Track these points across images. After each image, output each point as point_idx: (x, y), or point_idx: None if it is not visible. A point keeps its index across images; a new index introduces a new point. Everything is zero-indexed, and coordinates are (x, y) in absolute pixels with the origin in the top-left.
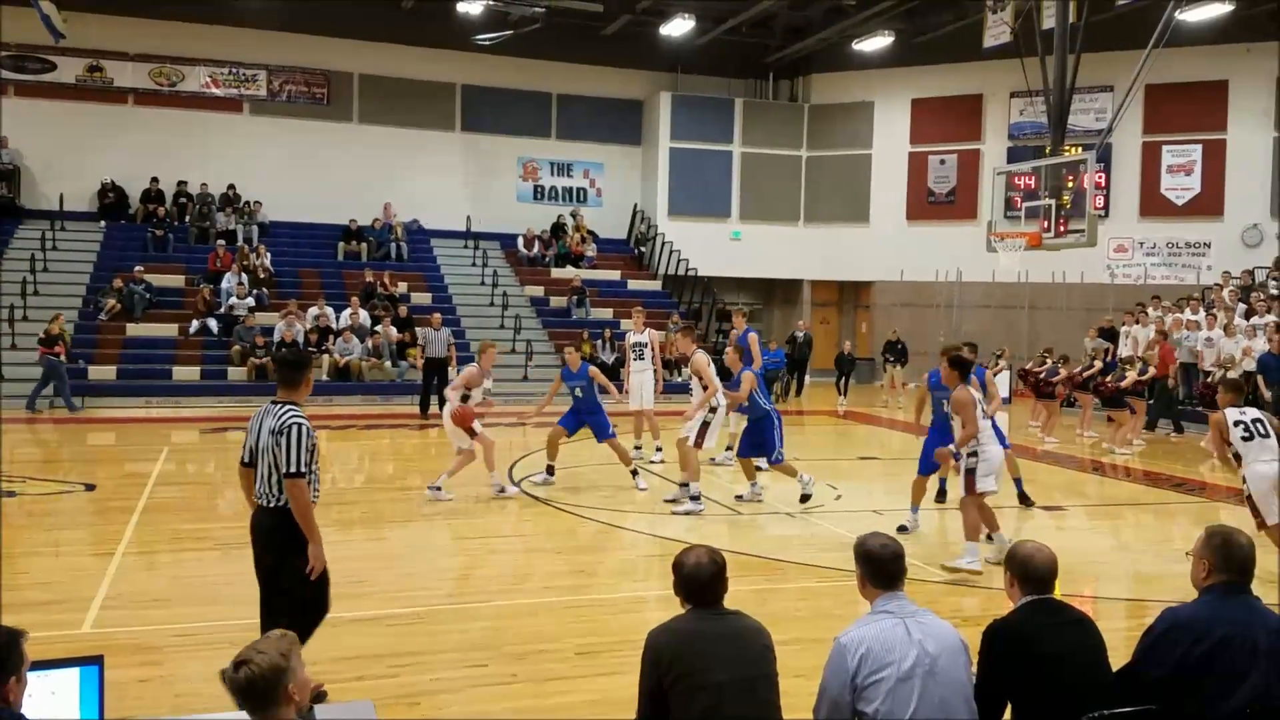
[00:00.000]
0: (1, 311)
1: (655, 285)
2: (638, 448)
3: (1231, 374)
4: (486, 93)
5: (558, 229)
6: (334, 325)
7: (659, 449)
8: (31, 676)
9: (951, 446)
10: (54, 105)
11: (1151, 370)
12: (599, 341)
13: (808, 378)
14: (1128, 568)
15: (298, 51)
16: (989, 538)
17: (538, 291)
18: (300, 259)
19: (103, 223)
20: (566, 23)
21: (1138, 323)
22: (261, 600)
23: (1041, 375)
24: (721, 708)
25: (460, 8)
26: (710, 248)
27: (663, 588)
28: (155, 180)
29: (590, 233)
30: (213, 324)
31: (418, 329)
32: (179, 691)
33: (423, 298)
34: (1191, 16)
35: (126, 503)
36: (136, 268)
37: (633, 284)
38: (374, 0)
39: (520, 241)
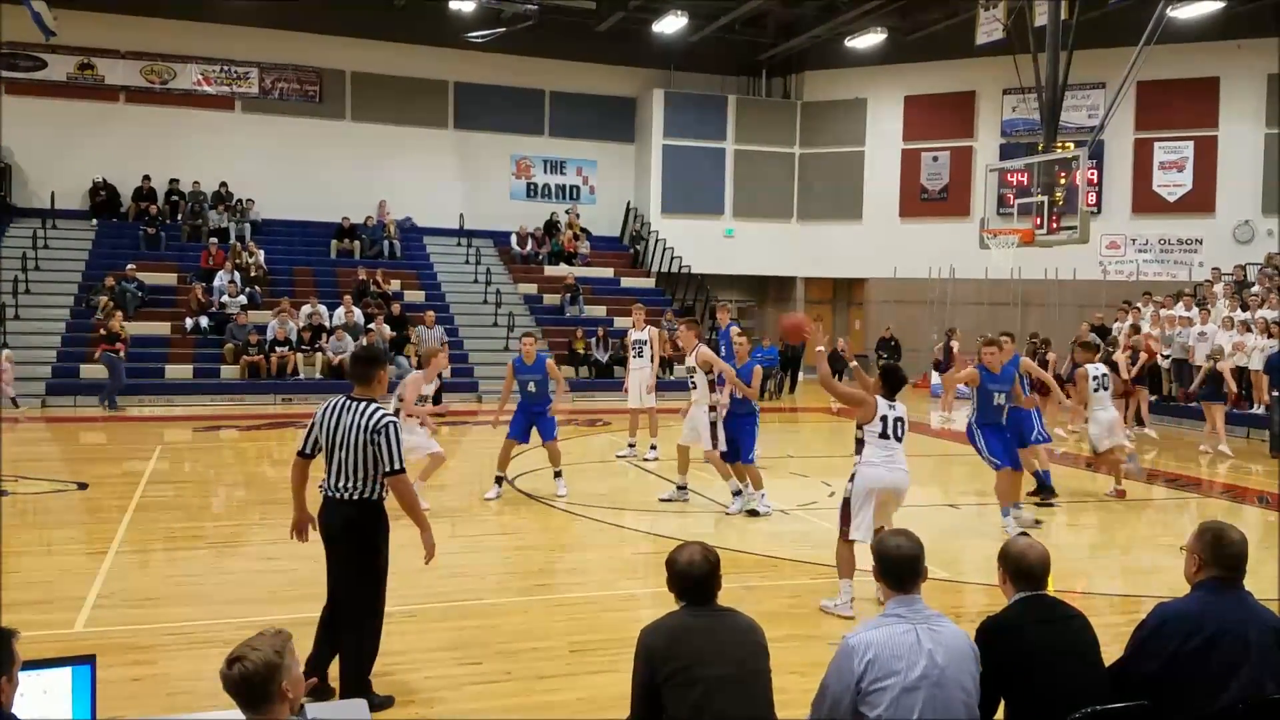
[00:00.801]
0: None
1: (649, 283)
2: (631, 445)
3: (1222, 364)
4: (479, 90)
5: (551, 226)
6: (327, 323)
7: (653, 446)
8: (23, 676)
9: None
10: (45, 103)
11: (1144, 356)
12: (593, 340)
13: (801, 375)
14: (1120, 563)
15: (290, 49)
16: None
17: (531, 289)
18: (293, 257)
19: (94, 221)
20: (559, 20)
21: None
22: (329, 592)
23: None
24: (714, 704)
25: (453, 5)
26: (703, 245)
27: (655, 585)
28: (147, 178)
29: (583, 230)
30: (205, 322)
31: (412, 328)
32: (171, 690)
33: (416, 296)
34: (1183, 14)
35: (119, 502)
36: (128, 266)
37: (626, 281)
38: None
39: (513, 239)
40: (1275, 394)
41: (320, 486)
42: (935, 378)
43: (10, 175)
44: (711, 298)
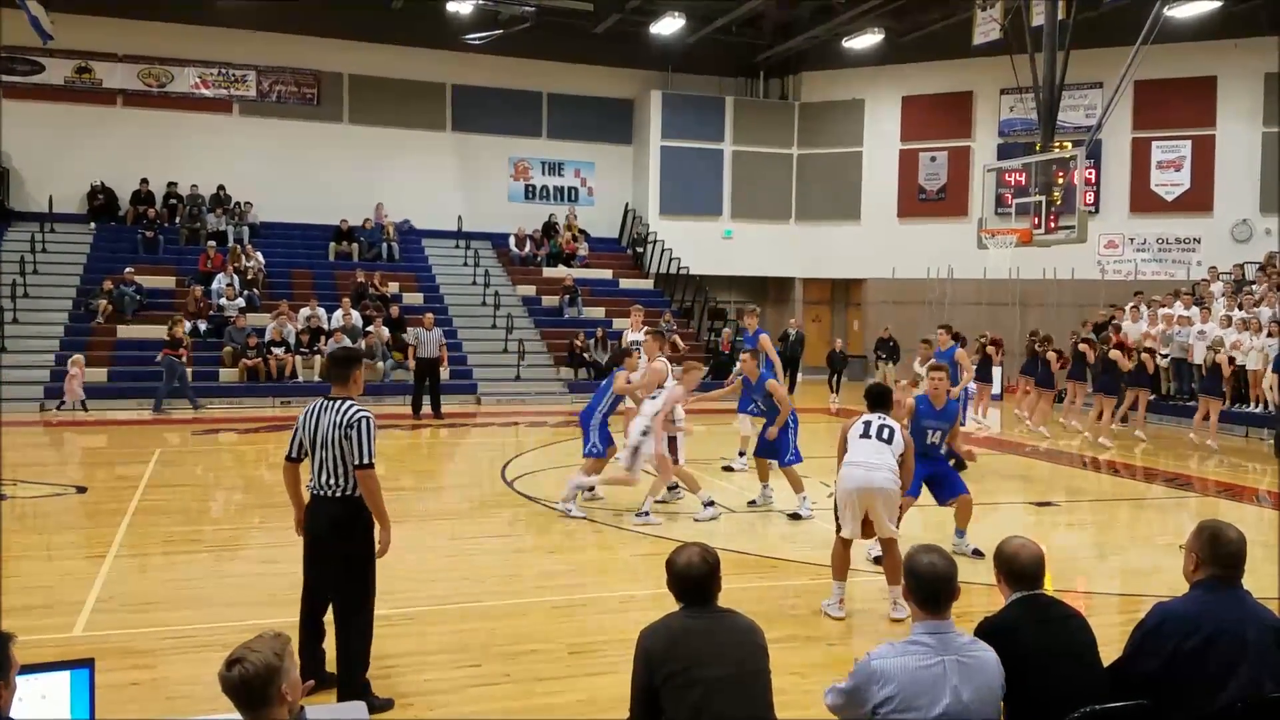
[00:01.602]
0: None
1: (647, 284)
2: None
3: (1220, 356)
4: (477, 92)
5: (549, 228)
6: (325, 326)
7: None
8: (22, 680)
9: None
10: (43, 107)
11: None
12: (592, 341)
13: (800, 375)
14: (1119, 563)
15: (287, 52)
16: None
17: (529, 291)
18: (292, 260)
19: (92, 224)
20: (557, 22)
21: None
22: (309, 594)
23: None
24: (714, 705)
25: (450, 7)
26: (702, 246)
27: (655, 587)
28: (145, 182)
29: (582, 232)
30: (204, 325)
31: (410, 329)
32: (170, 694)
33: (414, 298)
34: (1180, 13)
35: (118, 505)
36: (127, 269)
37: (625, 283)
38: (364, 0)
39: (512, 241)
40: None
41: (308, 486)
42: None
43: (8, 179)
44: (710, 299)
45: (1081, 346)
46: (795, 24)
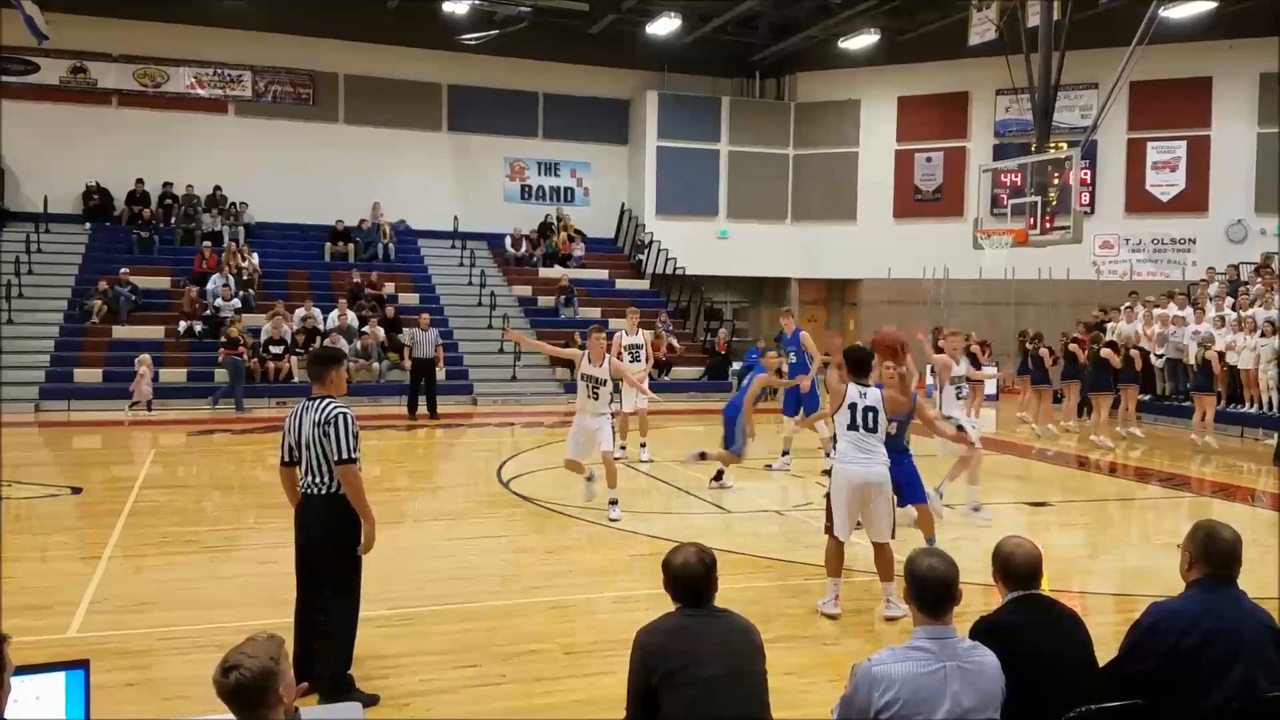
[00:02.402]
0: None
1: (643, 284)
2: (622, 448)
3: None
4: (473, 92)
5: (545, 228)
6: (321, 326)
7: (643, 445)
8: (17, 681)
9: None
10: (37, 107)
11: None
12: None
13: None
14: (1115, 562)
15: (283, 52)
16: None
17: (525, 291)
18: (287, 260)
19: (88, 225)
20: (552, 22)
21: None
22: (301, 593)
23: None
24: (711, 705)
25: (446, 7)
26: (698, 246)
27: (652, 587)
28: (140, 182)
29: (578, 232)
30: (199, 326)
31: (405, 330)
32: (165, 695)
33: (410, 298)
34: (1175, 14)
35: (113, 506)
36: (122, 270)
37: (621, 283)
38: (359, 0)
39: (508, 241)
40: None
41: (300, 485)
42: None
43: (3, 179)
44: (706, 299)
45: (1072, 347)
46: (791, 24)
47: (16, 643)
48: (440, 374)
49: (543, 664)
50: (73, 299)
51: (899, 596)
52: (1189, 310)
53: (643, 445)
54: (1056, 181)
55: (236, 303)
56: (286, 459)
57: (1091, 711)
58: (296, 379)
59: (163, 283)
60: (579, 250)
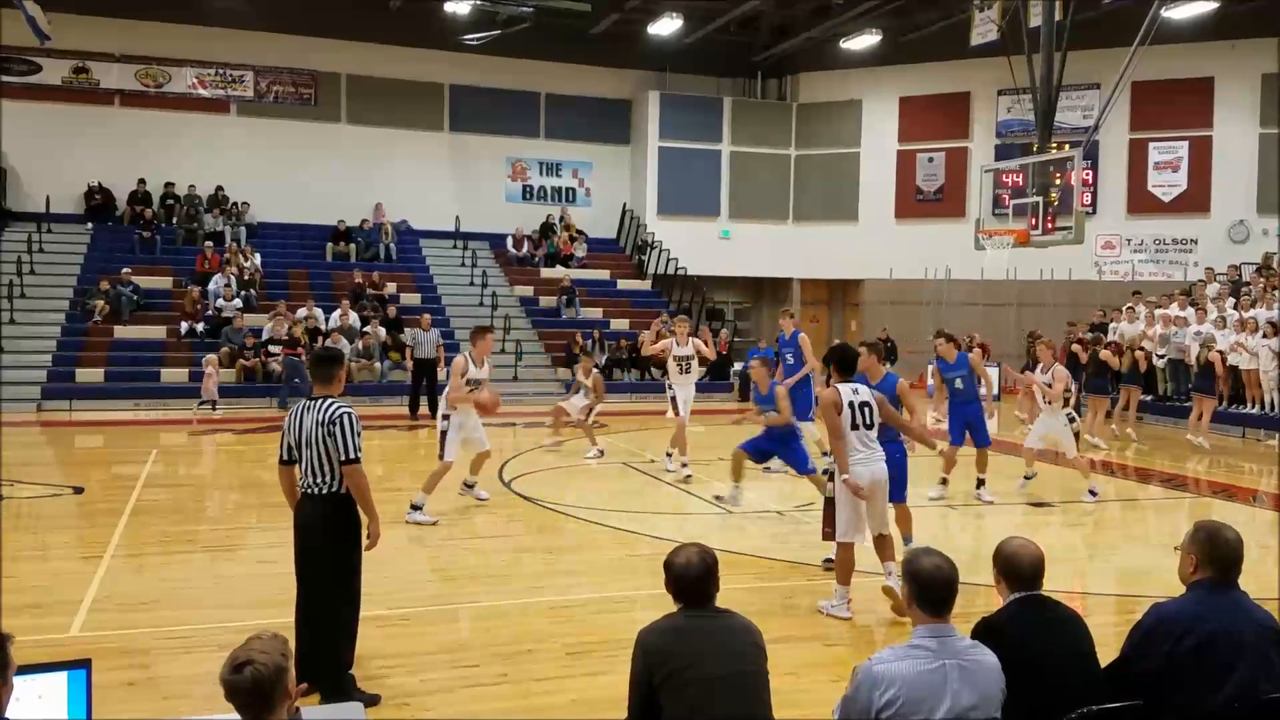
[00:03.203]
0: None
1: (645, 285)
2: (669, 454)
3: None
4: (474, 93)
5: (547, 229)
6: (323, 326)
7: (669, 453)
8: (18, 680)
9: None
10: (40, 107)
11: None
12: (589, 342)
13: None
14: (1116, 563)
15: (284, 52)
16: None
17: (527, 291)
18: (289, 260)
19: (90, 225)
20: (554, 22)
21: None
22: (302, 594)
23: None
24: (712, 705)
25: (448, 7)
26: (699, 247)
27: (652, 587)
28: (142, 182)
29: (580, 232)
30: (200, 326)
31: (407, 330)
32: (167, 694)
33: (412, 298)
34: (1177, 14)
35: (114, 505)
36: (124, 270)
37: (622, 283)
38: (361, 0)
39: (509, 241)
40: None
41: (299, 485)
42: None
43: (5, 179)
44: (708, 299)
45: (1074, 347)
46: (793, 24)
47: (18, 642)
48: (441, 374)
49: (543, 664)
50: (74, 299)
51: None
52: (1190, 310)
53: (669, 454)
54: (1058, 182)
55: (238, 303)
56: (285, 458)
57: (1093, 712)
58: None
59: (164, 283)
60: (580, 250)
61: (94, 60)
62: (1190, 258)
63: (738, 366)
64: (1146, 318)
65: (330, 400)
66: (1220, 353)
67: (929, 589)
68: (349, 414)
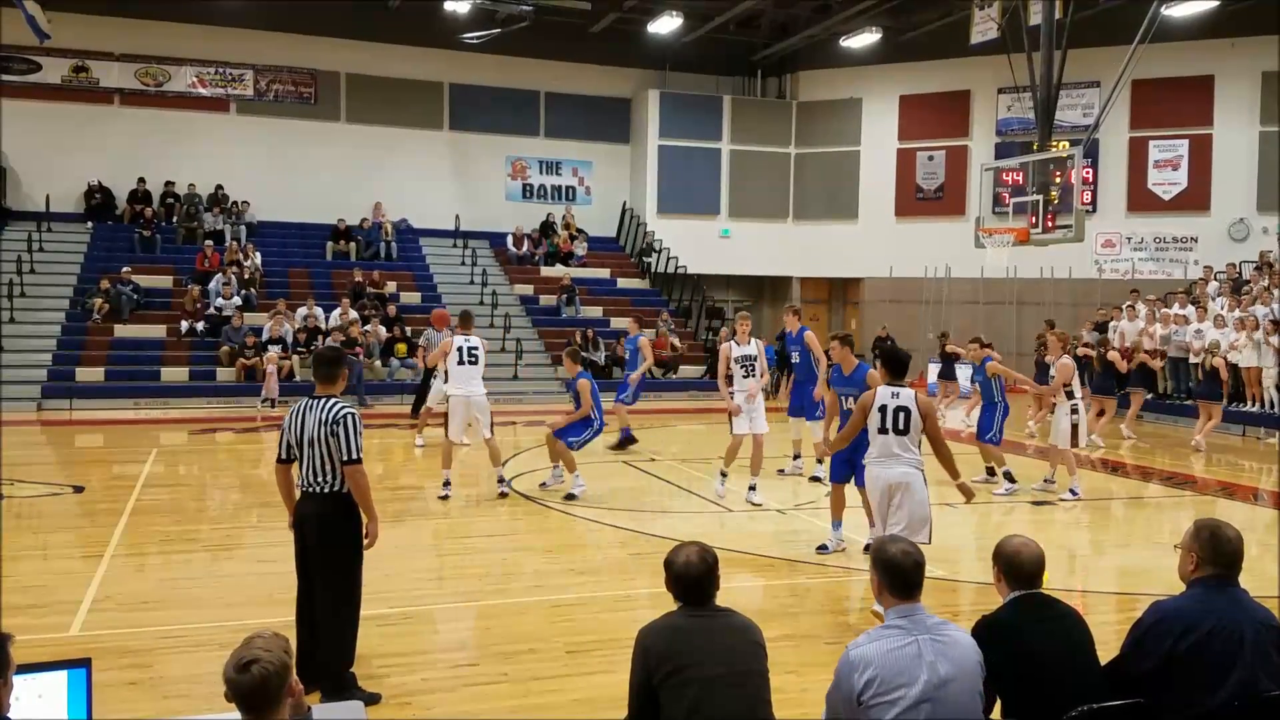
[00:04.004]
0: None
1: (645, 284)
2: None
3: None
4: (474, 91)
5: (547, 227)
6: (323, 325)
7: (753, 486)
8: (19, 679)
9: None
10: (40, 106)
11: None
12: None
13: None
14: (1116, 561)
15: (284, 51)
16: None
17: (527, 290)
18: (289, 259)
19: (90, 224)
20: (554, 21)
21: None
22: (302, 592)
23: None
24: (712, 705)
25: (447, 6)
26: (699, 245)
27: (652, 586)
28: (142, 181)
29: (580, 231)
30: (200, 325)
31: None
32: (167, 694)
33: (412, 297)
34: (1177, 12)
35: (115, 505)
36: (124, 269)
37: (622, 282)
38: None
39: (509, 240)
40: None
41: (298, 484)
42: (932, 376)
43: (5, 178)
44: (708, 298)
45: (1081, 350)
46: (793, 23)
47: (19, 641)
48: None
49: (543, 663)
50: (74, 298)
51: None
52: (1191, 309)
53: (752, 488)
54: (1058, 180)
55: (238, 301)
56: (284, 456)
57: (1093, 710)
58: (298, 378)
59: (164, 282)
60: (580, 249)
61: (94, 59)
62: (1190, 256)
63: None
64: (1147, 316)
65: (333, 400)
66: (1223, 358)
67: (898, 574)
68: (352, 414)
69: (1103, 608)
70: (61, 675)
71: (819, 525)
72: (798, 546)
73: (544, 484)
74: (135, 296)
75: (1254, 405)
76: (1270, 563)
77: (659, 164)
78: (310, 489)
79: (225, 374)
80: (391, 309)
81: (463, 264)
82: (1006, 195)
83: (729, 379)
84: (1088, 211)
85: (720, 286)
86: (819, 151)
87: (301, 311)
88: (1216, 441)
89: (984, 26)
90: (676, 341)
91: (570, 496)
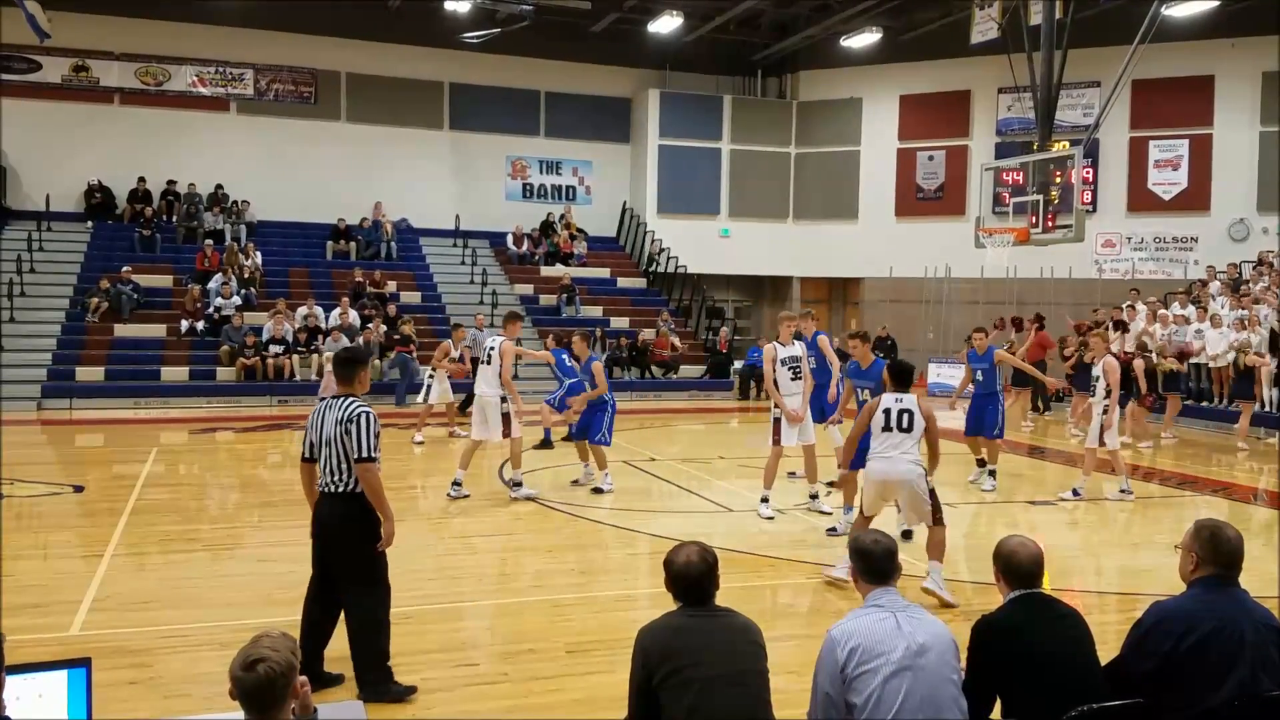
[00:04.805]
0: None
1: (644, 283)
2: (818, 494)
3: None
4: (474, 91)
5: (547, 227)
6: (323, 325)
7: (820, 493)
8: (19, 679)
9: None
10: (40, 105)
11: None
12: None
13: None
14: (1117, 561)
15: (285, 50)
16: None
17: (527, 290)
18: (289, 258)
19: (90, 223)
20: (554, 20)
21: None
22: (315, 591)
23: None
24: (712, 704)
25: (448, 6)
26: (699, 245)
27: (652, 585)
28: (142, 180)
29: (580, 230)
30: (201, 324)
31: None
32: (167, 693)
33: (412, 297)
34: (1177, 12)
35: (115, 504)
36: (124, 268)
37: (622, 282)
38: None
39: (509, 240)
40: None
41: (318, 484)
42: (933, 377)
43: (5, 177)
44: (708, 298)
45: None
46: (793, 23)
47: (18, 641)
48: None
49: (543, 663)
50: (74, 297)
51: (940, 576)
52: (1191, 309)
53: (819, 493)
54: (1058, 180)
55: (238, 301)
56: (307, 455)
57: (1093, 710)
58: (299, 377)
59: (164, 281)
60: (581, 249)
61: (94, 58)
62: (1190, 256)
63: (737, 365)
64: (1148, 317)
65: (351, 399)
66: (1258, 354)
67: (873, 562)
68: (367, 413)
69: (1103, 608)
70: (61, 675)
71: (819, 525)
72: (798, 546)
73: (576, 481)
74: (135, 296)
75: (1256, 404)
76: (1271, 562)
77: (659, 164)
78: (327, 488)
79: (225, 374)
80: (392, 309)
81: (463, 264)
82: (1007, 195)
83: (775, 384)
84: (1088, 211)
85: (720, 286)
86: (819, 151)
87: (301, 311)
88: (1216, 442)
89: (984, 26)
90: (677, 341)
91: (598, 490)
